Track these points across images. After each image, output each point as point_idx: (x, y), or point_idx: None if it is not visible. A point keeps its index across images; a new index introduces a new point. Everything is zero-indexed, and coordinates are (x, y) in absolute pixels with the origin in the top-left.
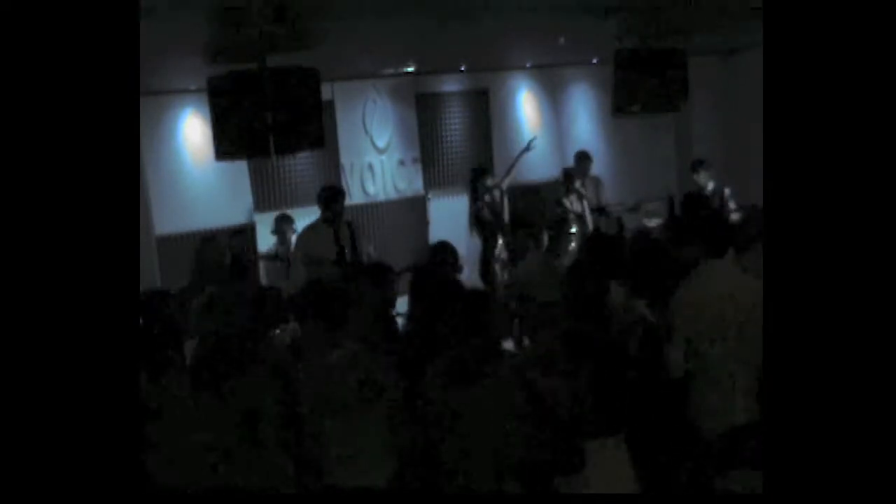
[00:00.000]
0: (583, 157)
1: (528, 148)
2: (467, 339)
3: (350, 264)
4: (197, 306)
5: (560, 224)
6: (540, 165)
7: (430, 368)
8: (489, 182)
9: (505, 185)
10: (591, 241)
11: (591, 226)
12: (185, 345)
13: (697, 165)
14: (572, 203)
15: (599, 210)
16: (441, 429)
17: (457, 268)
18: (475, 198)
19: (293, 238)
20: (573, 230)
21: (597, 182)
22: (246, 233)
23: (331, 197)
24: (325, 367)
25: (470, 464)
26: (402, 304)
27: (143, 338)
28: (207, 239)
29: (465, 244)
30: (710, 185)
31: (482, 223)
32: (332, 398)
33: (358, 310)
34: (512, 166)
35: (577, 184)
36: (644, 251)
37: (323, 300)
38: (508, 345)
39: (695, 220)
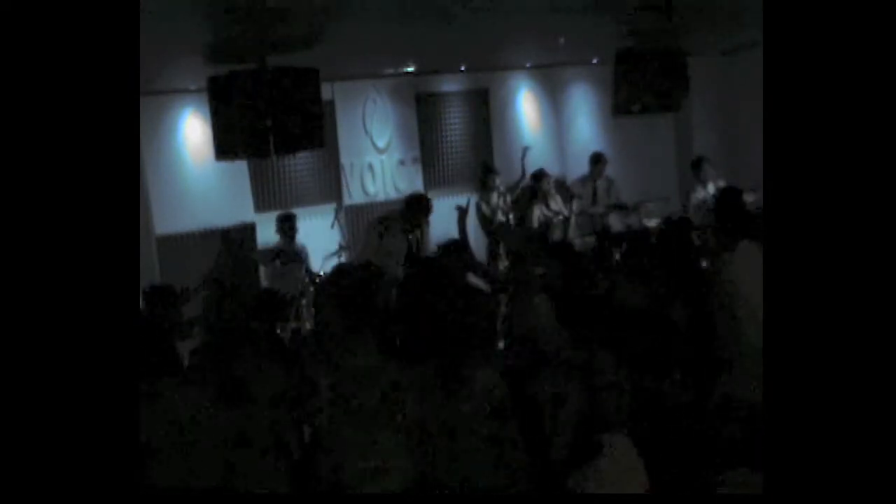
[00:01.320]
0: (598, 159)
1: (524, 155)
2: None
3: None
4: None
5: (544, 227)
6: (540, 165)
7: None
8: (497, 181)
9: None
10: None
11: (573, 226)
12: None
13: (698, 163)
14: (551, 205)
15: (618, 207)
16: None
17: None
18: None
19: (298, 237)
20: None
21: (609, 182)
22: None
23: (424, 208)
24: (348, 375)
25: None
26: None
27: (148, 336)
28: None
29: (472, 243)
30: (710, 184)
31: (487, 221)
32: (353, 408)
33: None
34: (522, 175)
35: (546, 184)
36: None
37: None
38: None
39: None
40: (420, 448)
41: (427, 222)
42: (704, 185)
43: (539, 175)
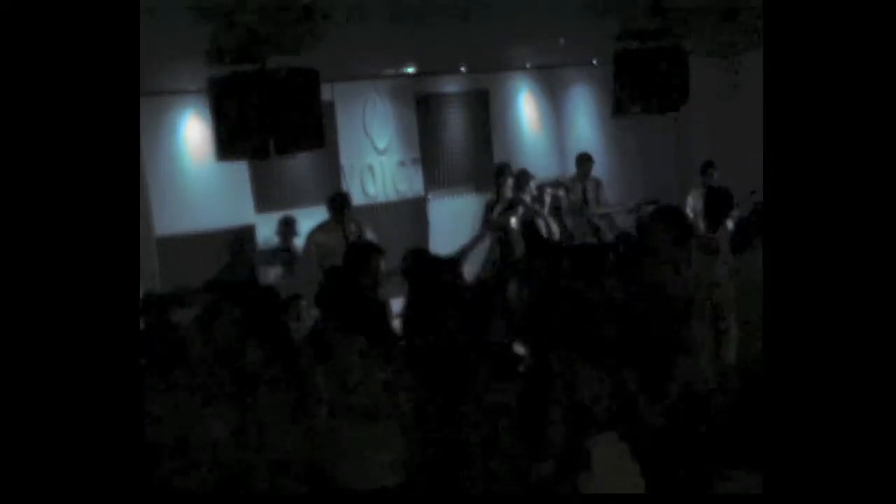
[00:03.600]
0: (584, 159)
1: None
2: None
3: None
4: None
5: (531, 226)
6: (540, 166)
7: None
8: (510, 183)
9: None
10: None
11: (554, 227)
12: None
13: (706, 168)
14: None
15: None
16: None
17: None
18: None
19: (295, 240)
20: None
21: (597, 184)
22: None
23: (342, 204)
24: (343, 371)
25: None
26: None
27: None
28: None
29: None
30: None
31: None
32: (350, 403)
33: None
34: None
35: (529, 188)
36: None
37: (340, 299)
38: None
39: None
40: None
41: (349, 216)
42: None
43: (524, 176)
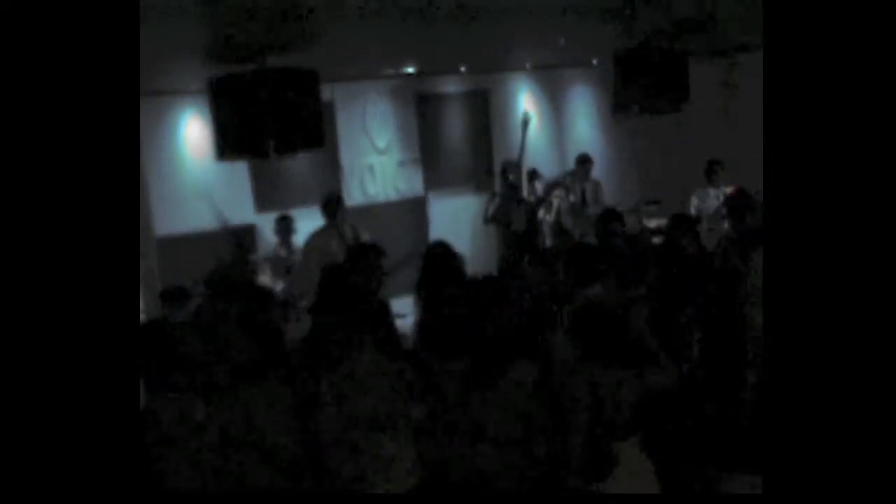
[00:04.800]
0: (584, 160)
1: (525, 126)
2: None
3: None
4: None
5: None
6: (540, 167)
7: (443, 366)
8: (511, 179)
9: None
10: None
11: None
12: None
13: (710, 167)
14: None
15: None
16: (461, 433)
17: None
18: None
19: (293, 238)
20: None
21: (596, 185)
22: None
23: (335, 206)
24: (350, 378)
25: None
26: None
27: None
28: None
29: (470, 243)
30: (722, 188)
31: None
32: (358, 411)
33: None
34: (522, 148)
35: (535, 186)
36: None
37: (342, 300)
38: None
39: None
40: (429, 446)
41: (343, 216)
42: (717, 188)
43: (532, 175)
